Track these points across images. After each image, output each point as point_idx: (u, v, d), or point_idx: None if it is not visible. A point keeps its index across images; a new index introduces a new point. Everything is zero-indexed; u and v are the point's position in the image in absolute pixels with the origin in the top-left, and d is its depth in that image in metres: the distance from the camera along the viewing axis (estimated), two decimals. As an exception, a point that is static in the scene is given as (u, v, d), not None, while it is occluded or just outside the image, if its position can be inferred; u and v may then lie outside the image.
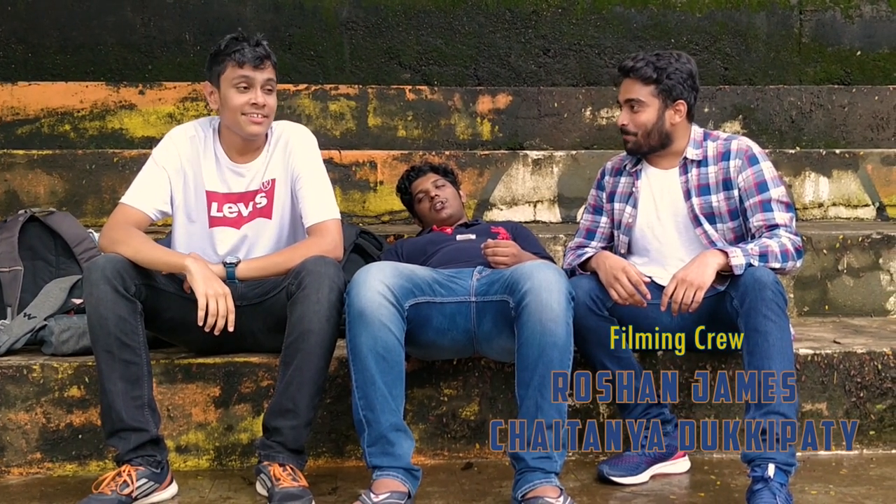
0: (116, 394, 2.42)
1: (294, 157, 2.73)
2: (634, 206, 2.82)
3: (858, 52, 5.37)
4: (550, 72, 5.25)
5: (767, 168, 2.69)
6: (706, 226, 2.72)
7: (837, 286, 3.67)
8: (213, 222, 2.71)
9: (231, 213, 2.71)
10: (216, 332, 2.45)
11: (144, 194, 2.66)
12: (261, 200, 2.72)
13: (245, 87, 2.62)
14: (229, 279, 2.54)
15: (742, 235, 2.72)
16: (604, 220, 2.92)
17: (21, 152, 4.13)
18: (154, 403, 2.51)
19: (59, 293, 2.99)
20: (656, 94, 2.71)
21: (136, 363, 2.45)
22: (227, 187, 2.72)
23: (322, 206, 2.69)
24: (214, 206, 2.71)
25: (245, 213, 2.72)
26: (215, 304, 2.42)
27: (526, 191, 4.29)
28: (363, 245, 3.37)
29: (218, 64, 2.64)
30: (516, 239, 3.02)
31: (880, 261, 3.68)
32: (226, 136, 2.72)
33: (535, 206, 4.29)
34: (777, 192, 2.66)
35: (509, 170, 4.28)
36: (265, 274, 2.61)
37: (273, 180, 2.72)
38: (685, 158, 2.77)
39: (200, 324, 2.43)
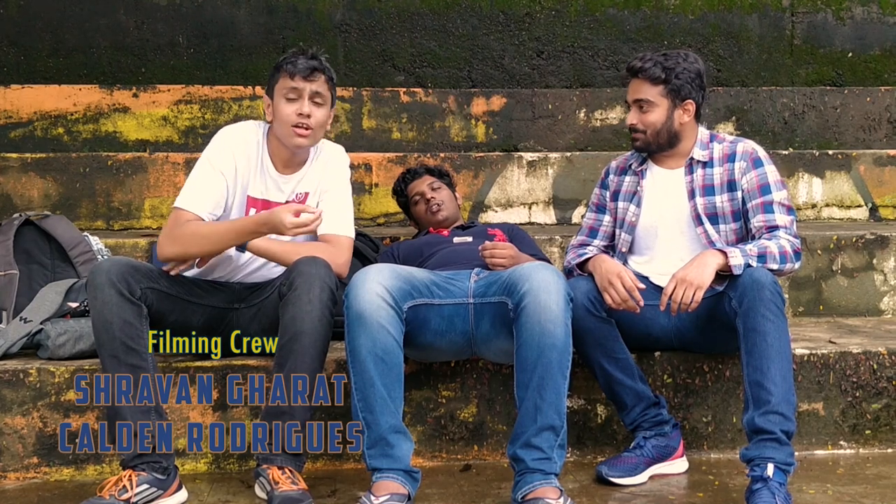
0: (122, 398, 2.41)
1: (326, 172, 2.77)
2: (638, 205, 2.83)
3: (850, 54, 5.40)
4: (544, 74, 5.26)
5: (771, 171, 2.72)
6: (707, 225, 2.74)
7: (832, 286, 3.69)
8: None
9: None
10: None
11: (200, 198, 2.64)
12: None
13: (293, 98, 2.63)
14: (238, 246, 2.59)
15: (743, 237, 2.74)
16: (606, 218, 2.93)
17: (14, 156, 4.11)
18: (161, 408, 2.49)
19: (54, 297, 2.98)
20: (665, 94, 2.73)
21: (143, 367, 2.44)
22: (267, 195, 2.72)
23: (343, 220, 2.74)
24: (253, 211, 2.70)
25: None
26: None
27: (521, 192, 4.29)
28: (359, 247, 3.35)
29: (273, 77, 2.68)
30: (513, 241, 3.02)
31: (874, 261, 3.70)
32: (274, 145, 2.72)
33: (529, 208, 4.30)
34: (780, 195, 2.69)
35: (504, 172, 4.28)
36: (272, 256, 2.64)
37: (306, 193, 2.75)
38: (692, 159, 2.79)
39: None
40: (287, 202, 2.70)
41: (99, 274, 2.43)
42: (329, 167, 2.78)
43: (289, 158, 2.72)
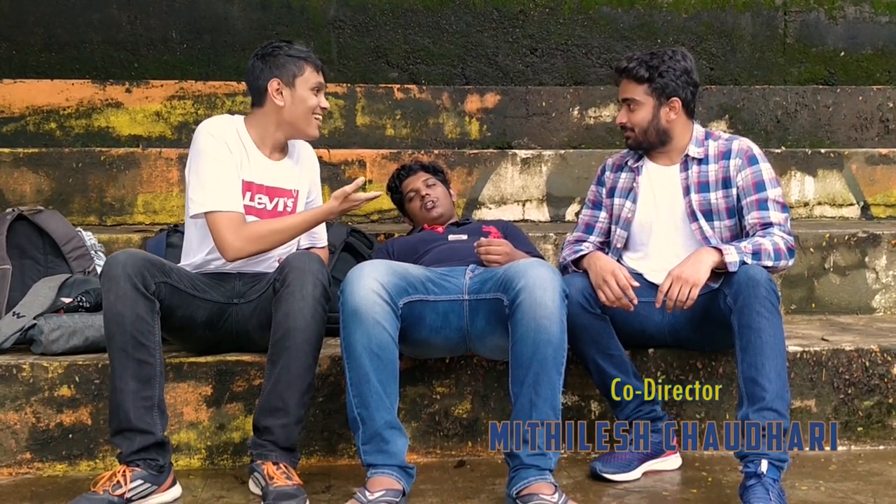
0: (126, 393, 2.39)
1: (314, 175, 2.96)
2: (634, 202, 2.84)
3: (842, 53, 5.43)
4: (538, 71, 5.26)
5: (766, 169, 2.73)
6: (702, 221, 2.75)
7: (824, 284, 3.70)
8: (244, 211, 2.73)
9: (260, 203, 2.76)
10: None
11: (231, 195, 2.67)
12: (289, 204, 2.82)
13: (317, 91, 2.78)
14: None
15: (737, 234, 2.75)
16: (602, 214, 2.94)
17: (7, 150, 4.09)
18: (164, 405, 2.48)
19: (48, 292, 2.97)
20: (650, 92, 2.75)
21: (150, 363, 2.42)
22: (259, 178, 2.77)
23: (324, 230, 3.03)
24: (248, 194, 2.74)
25: (269, 207, 2.77)
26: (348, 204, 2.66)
27: (514, 190, 4.30)
28: (354, 244, 3.37)
29: (294, 65, 2.74)
30: (507, 237, 3.02)
31: (866, 259, 3.72)
32: (264, 131, 2.78)
33: (523, 205, 4.30)
34: (774, 192, 2.70)
35: (498, 169, 4.29)
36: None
37: (298, 191, 2.85)
38: (687, 156, 2.80)
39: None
40: (278, 188, 2.80)
41: (115, 266, 2.40)
42: (314, 169, 2.95)
43: (278, 144, 2.82)
